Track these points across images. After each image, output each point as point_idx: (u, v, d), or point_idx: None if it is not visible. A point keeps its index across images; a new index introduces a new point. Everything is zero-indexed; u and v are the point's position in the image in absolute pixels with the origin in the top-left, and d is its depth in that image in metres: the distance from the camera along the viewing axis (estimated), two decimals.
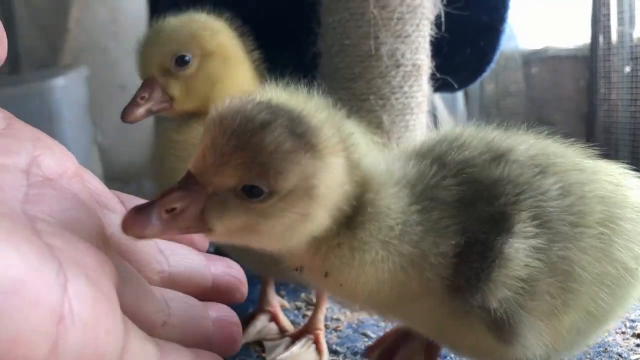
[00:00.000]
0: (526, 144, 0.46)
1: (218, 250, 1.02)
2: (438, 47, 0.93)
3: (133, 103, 0.57)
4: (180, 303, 0.41)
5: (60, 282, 0.28)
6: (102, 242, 0.36)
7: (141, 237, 0.36)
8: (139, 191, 2.20)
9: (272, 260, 0.66)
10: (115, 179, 2.21)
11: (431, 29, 0.91)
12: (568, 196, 0.43)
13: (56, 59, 2.44)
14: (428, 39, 0.90)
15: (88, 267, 0.31)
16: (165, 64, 0.58)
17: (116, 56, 2.40)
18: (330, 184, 0.38)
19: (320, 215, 0.39)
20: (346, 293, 0.43)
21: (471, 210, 0.42)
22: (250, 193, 0.37)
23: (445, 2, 0.90)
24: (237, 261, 0.86)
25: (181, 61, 0.58)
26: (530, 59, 2.35)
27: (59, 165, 0.38)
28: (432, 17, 0.89)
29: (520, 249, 0.40)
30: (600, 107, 1.78)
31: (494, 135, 0.47)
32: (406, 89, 0.87)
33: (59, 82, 1.71)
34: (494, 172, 0.43)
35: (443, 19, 0.90)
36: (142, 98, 0.58)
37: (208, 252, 1.06)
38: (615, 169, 0.47)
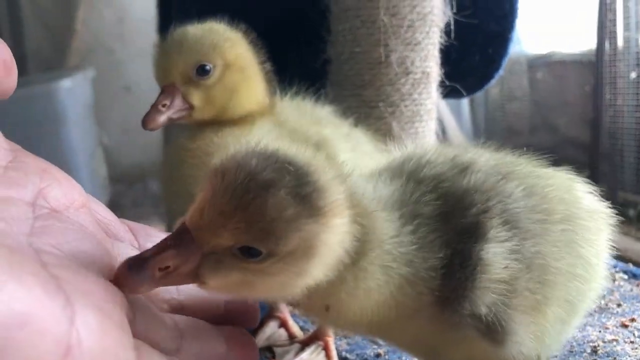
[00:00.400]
0: (485, 156, 0.48)
1: None
2: (447, 54, 0.94)
3: (155, 110, 0.58)
4: (192, 328, 0.40)
5: (67, 314, 0.28)
6: (111, 273, 0.35)
7: (134, 293, 0.35)
8: (144, 192, 2.21)
9: None
10: (120, 179, 2.22)
11: (440, 36, 0.91)
12: (532, 196, 0.45)
13: (62, 60, 2.44)
14: (437, 46, 0.90)
15: (97, 298, 0.31)
16: (187, 72, 0.59)
17: (122, 58, 2.41)
18: (331, 243, 0.38)
19: (317, 271, 0.38)
20: (348, 322, 0.44)
21: (450, 223, 0.43)
22: (248, 253, 0.35)
23: (455, 10, 0.90)
24: None
25: (202, 71, 0.59)
26: (536, 64, 2.36)
27: (66, 197, 0.37)
28: (441, 25, 0.90)
29: (497, 253, 0.41)
30: (605, 113, 1.78)
31: (455, 152, 0.48)
32: (415, 96, 0.88)
33: (65, 83, 1.72)
34: (462, 183, 0.44)
35: (452, 27, 0.91)
36: (164, 105, 0.58)
37: None
38: (565, 175, 0.49)
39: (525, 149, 0.51)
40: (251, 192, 0.35)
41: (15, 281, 0.27)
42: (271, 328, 0.75)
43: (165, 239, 0.36)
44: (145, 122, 0.57)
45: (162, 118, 0.58)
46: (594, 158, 1.83)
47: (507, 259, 0.42)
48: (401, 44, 0.85)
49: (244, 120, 0.62)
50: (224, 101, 0.60)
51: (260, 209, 0.34)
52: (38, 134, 1.56)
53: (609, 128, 1.75)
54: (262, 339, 0.73)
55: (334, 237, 0.38)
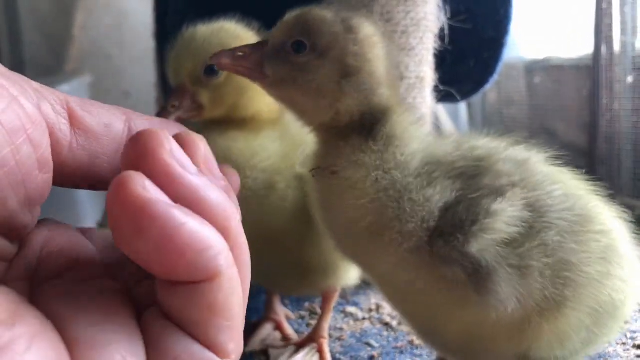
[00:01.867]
0: (542, 161, 0.50)
1: None
2: (441, 59, 0.94)
3: (165, 111, 0.58)
4: None
5: None
6: None
7: (219, 66, 0.49)
8: None
9: (278, 274, 0.68)
10: None
11: (435, 41, 0.91)
12: (570, 201, 0.47)
13: (60, 65, 2.46)
14: (432, 51, 0.91)
15: None
16: (195, 73, 0.59)
17: (120, 63, 2.42)
18: (361, 62, 0.47)
19: (348, 92, 0.47)
20: (339, 201, 0.48)
21: (470, 182, 0.46)
22: (297, 49, 0.47)
23: (449, 15, 0.91)
24: None
25: (210, 71, 0.59)
26: (533, 69, 2.36)
27: None
28: (436, 30, 0.90)
29: (505, 209, 0.44)
30: (602, 117, 1.78)
31: (515, 146, 0.50)
32: (410, 100, 0.88)
33: (63, 89, 1.71)
34: (506, 165, 0.47)
35: (447, 32, 0.91)
36: (173, 106, 0.58)
37: None
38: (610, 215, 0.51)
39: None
40: (308, 9, 0.48)
41: None
42: (266, 330, 0.76)
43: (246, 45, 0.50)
44: None
45: (171, 118, 0.58)
46: (591, 162, 1.83)
47: (513, 218, 0.44)
48: (395, 49, 0.85)
49: (251, 126, 0.61)
50: (233, 100, 0.60)
51: (309, 13, 0.48)
52: None
53: (606, 132, 1.75)
54: (257, 341, 0.74)
55: (363, 58, 0.47)
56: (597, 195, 0.51)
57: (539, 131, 2.39)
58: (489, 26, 1.04)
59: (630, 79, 1.65)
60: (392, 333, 0.76)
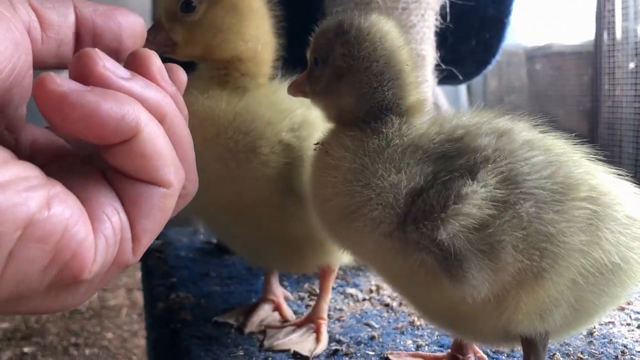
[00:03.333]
0: (529, 130, 0.49)
1: (220, 243, 1.02)
2: (443, 38, 0.93)
3: None
4: None
5: None
6: None
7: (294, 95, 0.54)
8: None
9: (264, 249, 0.66)
10: None
11: (436, 19, 0.90)
12: (550, 168, 0.45)
13: None
14: (433, 29, 0.89)
15: None
16: (172, 8, 0.57)
17: None
18: (350, 61, 0.49)
19: (344, 90, 0.50)
20: (322, 181, 0.49)
21: (447, 162, 0.46)
22: (316, 64, 0.52)
23: None
24: (236, 253, 0.85)
25: (187, 7, 0.57)
26: (534, 55, 2.35)
27: None
28: (437, 8, 0.89)
29: (476, 192, 0.43)
30: (604, 104, 1.77)
31: (500, 118, 0.49)
32: None
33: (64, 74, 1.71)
34: (483, 140, 0.46)
35: (448, 10, 0.90)
36: (147, 40, 0.56)
37: (210, 244, 1.06)
38: (610, 176, 0.49)
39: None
40: (324, 25, 0.53)
41: None
42: (265, 311, 0.74)
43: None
44: None
45: None
46: (592, 149, 1.82)
47: (484, 200, 0.43)
48: (396, 26, 0.84)
49: (236, 87, 0.60)
50: (207, 40, 0.58)
51: (319, 32, 0.53)
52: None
53: (607, 119, 1.74)
54: (255, 322, 0.72)
55: (353, 58, 0.49)
56: (593, 160, 0.49)
57: (540, 117, 2.39)
58: (490, 4, 1.02)
59: (632, 65, 1.63)
60: (393, 314, 0.74)
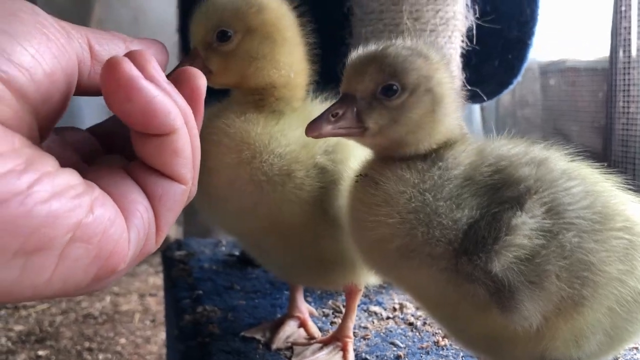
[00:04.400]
0: (563, 159, 0.50)
1: (243, 256, 1.03)
2: (467, 58, 0.94)
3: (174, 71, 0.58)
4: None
5: None
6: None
7: (320, 136, 0.49)
8: None
9: (295, 268, 0.68)
10: None
11: (462, 41, 0.91)
12: (589, 198, 0.47)
13: None
14: (459, 51, 0.91)
15: None
16: (208, 38, 0.58)
17: None
18: (444, 88, 0.49)
19: (441, 117, 0.49)
20: (372, 212, 0.48)
21: (495, 195, 0.46)
22: (388, 93, 0.48)
23: (477, 15, 0.90)
24: (265, 268, 0.87)
25: (223, 36, 0.58)
26: (548, 70, 2.35)
27: None
28: (464, 30, 0.90)
29: (525, 222, 0.44)
30: (618, 120, 1.77)
31: (535, 147, 0.51)
32: None
33: None
34: (525, 169, 0.47)
35: (474, 32, 0.91)
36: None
37: (233, 256, 1.07)
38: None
39: None
40: (377, 51, 0.49)
41: None
42: (291, 327, 0.76)
43: (334, 103, 0.50)
44: None
45: None
46: (605, 165, 1.83)
47: (533, 231, 0.44)
48: None
49: (272, 110, 0.61)
50: (241, 69, 0.59)
51: (385, 55, 0.49)
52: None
53: (621, 136, 1.74)
54: (282, 338, 0.73)
55: (444, 82, 0.49)
56: (621, 189, 0.50)
57: (552, 133, 2.38)
58: (514, 26, 1.04)
59: None
60: (417, 333, 0.75)
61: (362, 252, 0.52)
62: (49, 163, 0.33)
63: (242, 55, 0.58)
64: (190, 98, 0.41)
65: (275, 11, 0.60)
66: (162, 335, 1.96)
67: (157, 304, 2.19)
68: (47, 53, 0.35)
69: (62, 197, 0.32)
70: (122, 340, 1.94)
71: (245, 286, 0.92)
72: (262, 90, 0.60)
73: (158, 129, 0.37)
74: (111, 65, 0.35)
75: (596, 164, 0.52)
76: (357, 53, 0.51)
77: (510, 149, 0.50)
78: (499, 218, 0.45)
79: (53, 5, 2.46)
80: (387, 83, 0.48)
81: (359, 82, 0.49)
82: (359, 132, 0.49)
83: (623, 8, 1.67)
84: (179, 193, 0.39)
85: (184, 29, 1.15)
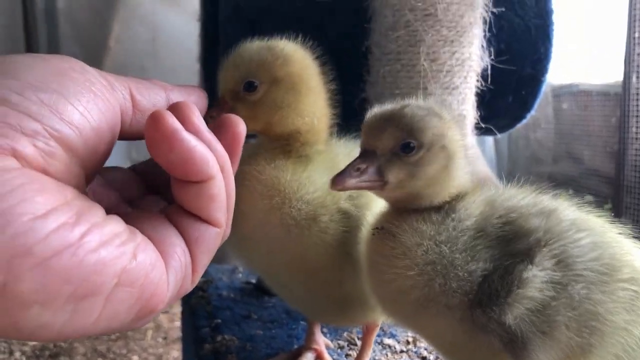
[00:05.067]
0: (571, 209, 0.53)
1: (260, 283, 1.06)
2: (481, 96, 0.97)
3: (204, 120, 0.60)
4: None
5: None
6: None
7: (345, 189, 0.51)
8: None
9: (318, 306, 0.70)
10: None
11: (477, 80, 0.94)
12: (597, 250, 0.49)
13: None
14: (474, 90, 0.93)
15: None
16: (235, 88, 0.60)
17: (154, 75, 2.45)
18: (455, 145, 0.52)
19: (454, 172, 0.52)
20: (389, 264, 0.50)
21: (506, 247, 0.49)
22: (405, 150, 0.50)
23: (492, 55, 0.93)
24: (288, 304, 0.89)
25: (249, 86, 0.60)
26: (561, 94, 2.36)
27: None
28: (479, 70, 0.93)
29: (537, 275, 0.47)
30: (631, 146, 1.78)
31: (543, 197, 0.54)
32: None
33: None
34: (534, 222, 0.50)
35: (489, 72, 0.94)
36: (211, 117, 0.58)
37: (250, 284, 1.09)
38: None
39: (548, 178, 0.55)
40: (395, 111, 0.52)
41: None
42: (308, 359, 0.78)
43: (356, 157, 0.52)
44: None
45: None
46: (617, 190, 1.83)
47: (545, 283, 0.47)
48: (440, 87, 0.88)
49: (300, 156, 0.63)
50: (267, 117, 0.61)
51: (402, 116, 0.51)
52: None
53: (634, 161, 1.75)
54: None
55: (456, 143, 0.52)
56: (628, 237, 0.52)
57: (564, 157, 2.39)
58: (528, 65, 1.06)
59: None
60: None
61: (380, 302, 0.54)
62: (97, 213, 0.36)
63: (268, 104, 0.61)
64: (231, 143, 0.44)
65: (299, 62, 0.63)
66: (174, 353, 1.98)
67: (169, 321, 2.21)
68: (94, 109, 0.38)
69: (110, 245, 0.35)
70: (135, 358, 1.97)
71: (263, 315, 0.95)
72: (287, 136, 0.63)
73: (196, 176, 0.39)
74: (155, 119, 0.38)
75: (604, 211, 0.54)
76: (375, 112, 0.53)
77: (520, 200, 0.53)
78: (511, 271, 0.47)
79: (74, 24, 2.52)
80: (405, 141, 0.50)
81: (379, 139, 0.51)
82: (380, 185, 0.51)
83: (637, 34, 1.69)
84: (214, 236, 0.42)
85: (206, 61, 1.19)
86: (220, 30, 1.07)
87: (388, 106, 0.53)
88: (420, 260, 0.49)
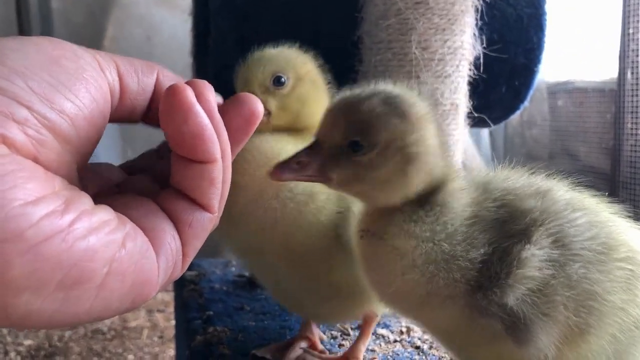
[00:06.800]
0: (565, 189, 0.52)
1: (251, 278, 1.05)
2: (474, 85, 0.96)
3: None
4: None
5: None
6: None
7: (281, 180, 0.49)
8: None
9: (309, 297, 0.69)
10: None
11: (470, 69, 0.93)
12: (594, 229, 0.48)
13: None
14: (466, 79, 0.93)
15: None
16: (264, 82, 0.64)
17: None
18: (421, 146, 0.47)
19: (414, 175, 0.47)
20: (387, 267, 0.49)
21: (502, 229, 0.48)
22: (354, 148, 0.46)
23: (484, 44, 0.93)
24: (272, 296, 0.88)
25: (278, 81, 0.64)
26: (556, 91, 2.37)
27: None
28: (471, 59, 0.92)
29: (535, 254, 0.46)
30: (626, 142, 1.78)
31: (537, 178, 0.53)
32: (444, 127, 0.90)
33: None
34: (530, 201, 0.49)
35: (482, 61, 0.93)
36: None
37: (243, 277, 1.08)
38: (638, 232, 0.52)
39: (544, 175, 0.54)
40: (354, 103, 0.47)
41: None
42: (300, 347, 0.77)
43: (303, 148, 0.49)
44: None
45: None
46: (613, 187, 1.83)
47: (543, 262, 0.46)
48: (432, 76, 0.88)
49: (303, 137, 0.63)
50: (297, 109, 0.65)
51: (357, 110, 0.47)
52: None
53: (629, 157, 1.75)
54: (291, 358, 0.75)
55: (421, 141, 0.47)
56: (622, 217, 0.51)
57: (560, 154, 2.39)
58: (521, 54, 1.06)
59: None
60: (424, 357, 0.77)
61: (381, 300, 0.53)
62: (86, 202, 0.36)
63: (296, 98, 0.65)
64: (246, 120, 0.44)
65: (312, 63, 0.69)
66: (170, 351, 1.97)
67: (165, 320, 2.20)
68: (86, 98, 0.38)
69: (99, 232, 0.35)
70: (131, 357, 1.96)
71: (255, 307, 0.94)
72: (308, 130, 0.64)
73: (202, 155, 0.39)
74: (174, 89, 0.38)
75: (599, 192, 0.54)
76: (336, 98, 0.50)
77: (515, 181, 0.51)
78: (510, 252, 0.46)
79: (68, 24, 2.51)
80: (354, 139, 0.46)
81: (329, 131, 0.48)
82: (323, 179, 0.49)
83: (631, 30, 1.69)
84: (207, 221, 0.42)
85: (198, 54, 1.19)
86: (212, 22, 1.07)
87: (357, 91, 0.49)
88: (419, 261, 0.47)
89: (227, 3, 1.03)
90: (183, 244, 0.41)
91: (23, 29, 2.37)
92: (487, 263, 0.47)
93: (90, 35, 2.58)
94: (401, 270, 0.48)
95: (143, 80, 0.44)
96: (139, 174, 0.48)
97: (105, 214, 0.36)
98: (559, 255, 0.46)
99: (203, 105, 0.39)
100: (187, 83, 0.41)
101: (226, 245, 0.72)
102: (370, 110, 0.46)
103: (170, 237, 0.40)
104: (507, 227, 0.48)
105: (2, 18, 2.37)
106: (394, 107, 0.47)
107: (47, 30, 2.47)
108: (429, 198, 0.49)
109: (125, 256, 0.36)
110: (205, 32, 1.13)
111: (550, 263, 0.46)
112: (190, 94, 0.39)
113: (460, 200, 0.49)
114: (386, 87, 0.49)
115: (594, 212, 0.50)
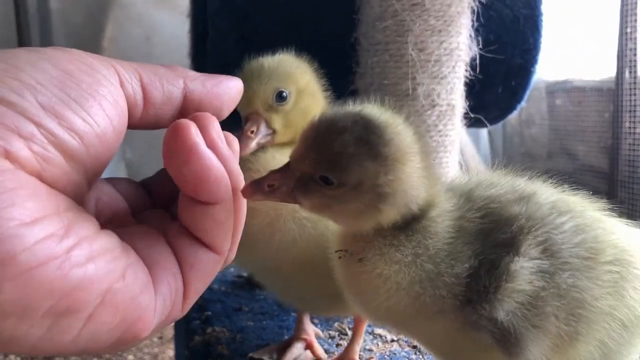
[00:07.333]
0: (549, 191, 0.51)
1: (251, 277, 1.05)
2: (470, 86, 0.97)
3: (245, 137, 0.61)
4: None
5: None
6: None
7: (251, 199, 0.45)
8: None
9: (316, 299, 0.70)
10: None
11: (466, 70, 0.94)
12: (580, 234, 0.47)
13: None
14: (463, 80, 0.93)
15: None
16: (267, 99, 0.62)
17: None
18: (396, 186, 0.45)
19: (388, 210, 0.46)
20: (370, 291, 0.48)
21: (488, 239, 0.47)
22: (325, 181, 0.45)
23: (480, 45, 0.93)
24: (269, 292, 0.89)
25: (280, 97, 0.62)
26: (555, 90, 2.37)
27: None
28: (467, 60, 0.93)
29: (524, 267, 0.45)
30: (624, 141, 1.79)
31: (522, 182, 0.52)
32: (441, 127, 0.90)
33: None
34: (515, 208, 0.48)
35: (478, 62, 0.94)
36: (252, 132, 0.61)
37: (241, 277, 1.09)
38: (625, 225, 0.52)
39: (543, 174, 0.54)
40: (328, 135, 0.44)
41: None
42: (298, 349, 0.77)
43: (277, 169, 0.47)
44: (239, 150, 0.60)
45: (252, 144, 0.61)
46: (612, 185, 1.84)
47: (533, 274, 0.45)
48: (428, 77, 0.88)
49: None
50: (301, 123, 0.62)
51: (329, 146, 0.44)
52: None
53: (627, 156, 1.76)
54: (289, 359, 0.75)
55: (396, 182, 0.45)
56: (609, 215, 0.51)
57: (559, 153, 2.39)
58: (517, 55, 1.06)
59: None
60: (421, 356, 0.77)
61: (367, 318, 0.54)
62: (89, 226, 0.35)
63: (299, 112, 0.64)
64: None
65: (310, 72, 0.67)
66: (170, 352, 1.98)
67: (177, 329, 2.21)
68: (99, 115, 0.36)
69: (99, 260, 0.33)
70: (130, 357, 1.96)
71: (254, 308, 0.95)
72: None
73: (206, 197, 0.38)
74: (176, 128, 0.36)
75: (597, 191, 0.53)
76: (313, 121, 0.47)
77: (499, 188, 0.50)
78: (498, 264, 0.45)
79: (67, 25, 2.51)
80: (324, 175, 0.45)
81: (301, 160, 0.46)
82: (293, 202, 0.47)
83: (629, 30, 1.70)
84: (212, 262, 0.39)
85: (196, 55, 1.19)
86: (210, 23, 1.07)
87: (336, 116, 0.45)
88: (404, 284, 0.47)
89: (226, 3, 1.04)
90: (185, 285, 0.39)
91: (22, 30, 2.37)
92: (475, 276, 0.46)
93: (89, 35, 2.58)
94: (385, 295, 0.47)
95: (168, 89, 0.42)
96: (155, 190, 0.47)
97: (108, 240, 0.35)
98: (548, 266, 0.46)
99: (209, 143, 0.37)
100: (192, 117, 0.38)
101: (242, 265, 0.71)
102: (343, 149, 0.43)
103: (171, 275, 0.38)
104: (493, 236, 0.47)
105: (1, 18, 2.38)
106: (368, 148, 0.44)
107: (45, 30, 2.48)
108: (410, 224, 0.47)
109: (122, 288, 0.34)
110: (203, 34, 1.13)
111: (540, 274, 0.45)
112: (193, 132, 0.36)
113: (443, 223, 0.48)
114: (368, 113, 0.45)
115: (580, 215, 0.49)
